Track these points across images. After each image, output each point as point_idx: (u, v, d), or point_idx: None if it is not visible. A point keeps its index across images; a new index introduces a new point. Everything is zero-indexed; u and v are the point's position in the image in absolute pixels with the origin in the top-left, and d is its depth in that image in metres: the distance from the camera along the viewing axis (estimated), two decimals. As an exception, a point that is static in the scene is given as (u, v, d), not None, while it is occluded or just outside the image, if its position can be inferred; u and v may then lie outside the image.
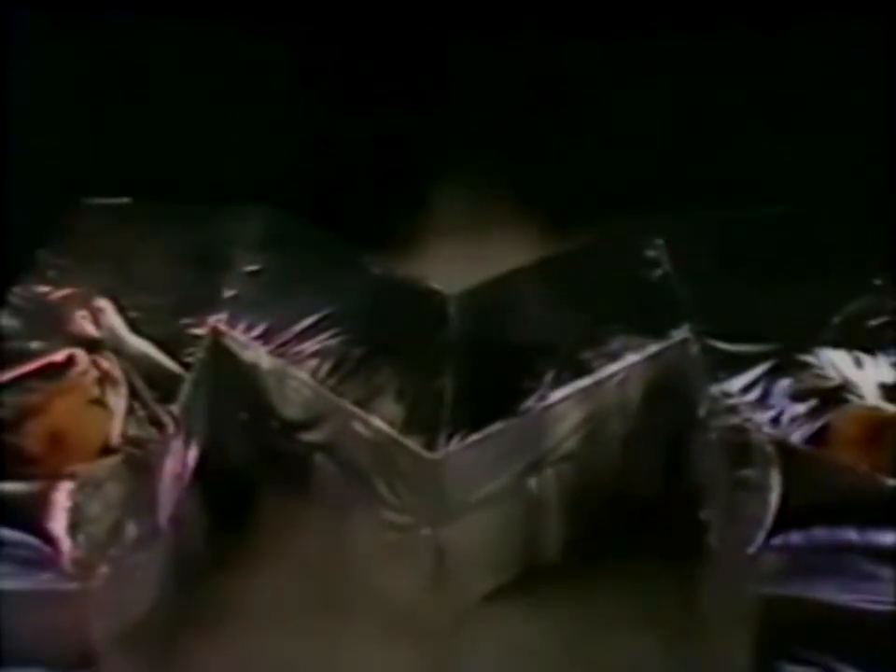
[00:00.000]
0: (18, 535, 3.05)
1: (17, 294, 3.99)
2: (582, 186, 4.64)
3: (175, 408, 3.54)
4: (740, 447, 3.38)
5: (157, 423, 3.49)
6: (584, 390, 3.70)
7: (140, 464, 3.37)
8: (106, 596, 3.12)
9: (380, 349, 3.85)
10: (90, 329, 3.83)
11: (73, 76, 4.56)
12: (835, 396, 3.51)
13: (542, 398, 3.65)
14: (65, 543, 3.06)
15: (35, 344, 3.73)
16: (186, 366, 3.72)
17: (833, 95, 4.49)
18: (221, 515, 3.82)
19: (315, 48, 4.64)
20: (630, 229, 4.37)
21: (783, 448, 3.33)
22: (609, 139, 4.65)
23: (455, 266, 4.38)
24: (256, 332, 3.88)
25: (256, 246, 4.28)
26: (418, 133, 4.68)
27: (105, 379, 3.61)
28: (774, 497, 3.15)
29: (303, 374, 3.78)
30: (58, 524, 3.08)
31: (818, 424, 3.43)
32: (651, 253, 4.23)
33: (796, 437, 3.41)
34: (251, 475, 3.90)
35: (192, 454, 3.67)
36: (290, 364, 3.81)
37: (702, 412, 3.61)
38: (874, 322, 3.80)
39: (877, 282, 3.97)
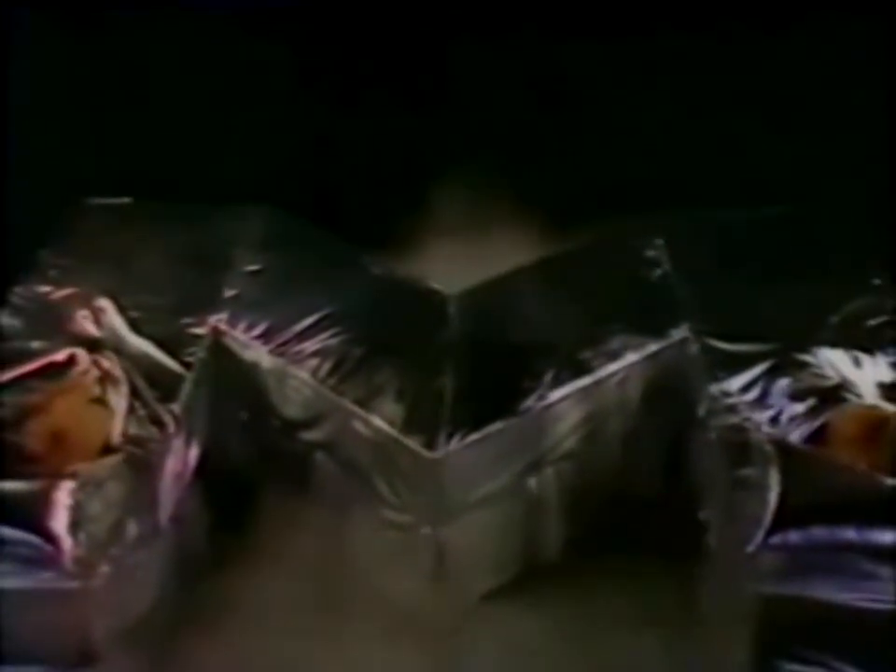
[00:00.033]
0: (19, 533, 3.05)
1: (18, 294, 4.00)
2: (582, 186, 4.64)
3: (175, 407, 3.55)
4: (739, 446, 3.38)
5: (158, 422, 3.49)
6: (584, 390, 3.71)
7: (141, 463, 3.37)
8: (107, 595, 3.13)
9: (380, 349, 3.86)
10: (91, 329, 3.84)
11: (73, 76, 4.56)
12: (834, 395, 3.51)
13: (542, 397, 3.66)
14: (66, 542, 3.06)
15: (36, 344, 3.74)
16: (186, 365, 3.72)
17: (833, 95, 4.50)
18: (222, 514, 3.83)
19: (315, 48, 4.64)
20: (630, 229, 4.37)
21: (782, 447, 3.33)
22: (609, 139, 4.65)
23: (455, 266, 4.38)
24: (256, 332, 3.89)
25: (256, 246, 4.28)
26: (418, 133, 4.69)
27: (105, 378, 3.61)
28: (773, 497, 3.15)
29: (304, 374, 3.79)
30: (59, 522, 3.09)
31: (816, 423, 3.44)
32: (650, 253, 4.24)
33: (795, 436, 3.42)
34: (252, 474, 3.90)
35: (193, 453, 3.67)
36: (291, 363, 3.82)
37: (701, 411, 3.62)
38: (872, 322, 3.81)
39: (876, 282, 3.98)
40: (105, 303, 3.93)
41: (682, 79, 4.59)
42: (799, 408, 3.49)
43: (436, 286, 4.30)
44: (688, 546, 3.52)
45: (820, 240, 4.18)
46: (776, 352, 3.66)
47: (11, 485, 3.15)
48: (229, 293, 4.04)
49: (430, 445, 3.54)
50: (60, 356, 3.67)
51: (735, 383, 3.59)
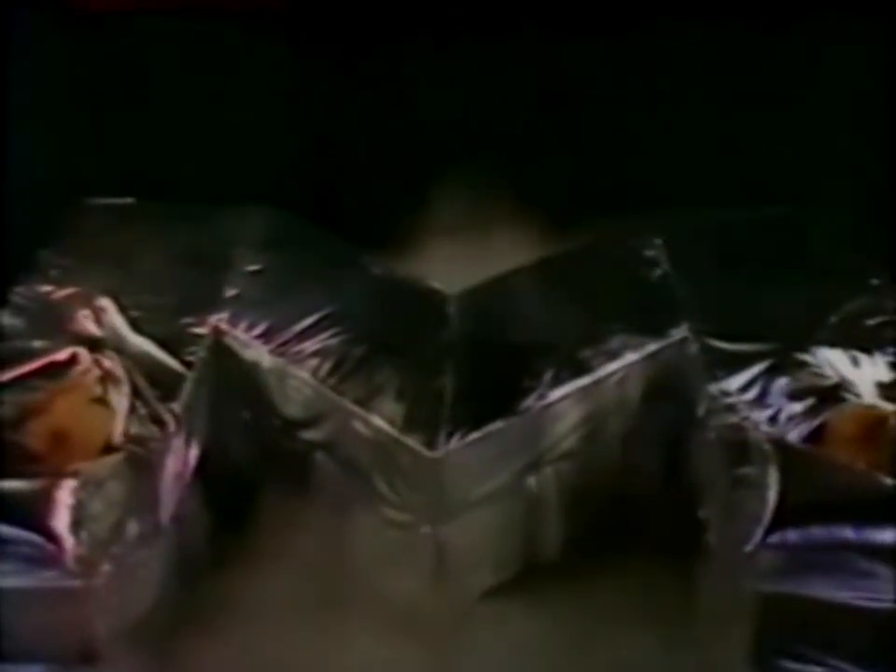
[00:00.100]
0: (20, 532, 3.05)
1: (19, 293, 3.99)
2: (582, 186, 4.64)
3: (176, 406, 3.55)
4: (738, 445, 3.38)
5: (158, 421, 3.49)
6: (584, 389, 3.71)
7: (142, 462, 3.37)
8: (108, 594, 3.13)
9: (380, 348, 3.86)
10: (92, 329, 3.84)
11: (73, 76, 4.56)
12: (833, 394, 3.52)
13: (542, 396, 3.67)
14: (68, 541, 3.07)
15: (37, 343, 3.74)
16: (187, 365, 3.72)
17: (833, 95, 4.50)
18: (222, 514, 3.83)
19: (315, 48, 4.65)
20: (630, 229, 4.37)
21: (781, 446, 3.33)
22: (609, 139, 4.65)
23: (455, 266, 4.38)
24: (257, 331, 3.89)
25: (256, 246, 4.29)
26: (418, 133, 4.69)
27: (106, 378, 3.61)
28: (771, 495, 3.15)
29: (304, 373, 3.79)
30: (60, 521, 3.09)
31: (815, 422, 3.44)
32: (650, 253, 4.24)
33: (794, 435, 3.42)
34: (252, 473, 3.91)
35: (194, 452, 3.68)
36: (291, 363, 3.82)
37: (700, 410, 3.62)
38: (871, 321, 3.81)
39: (875, 282, 3.98)
40: (105, 303, 3.93)
41: (682, 79, 4.58)
42: (798, 407, 3.49)
43: (436, 285, 4.30)
44: (687, 545, 3.53)
45: (820, 240, 4.19)
46: (775, 351, 3.66)
47: (12, 485, 3.15)
48: (229, 293, 4.04)
49: (430, 444, 3.54)
50: (61, 355, 3.67)
51: (735, 382, 3.59)
